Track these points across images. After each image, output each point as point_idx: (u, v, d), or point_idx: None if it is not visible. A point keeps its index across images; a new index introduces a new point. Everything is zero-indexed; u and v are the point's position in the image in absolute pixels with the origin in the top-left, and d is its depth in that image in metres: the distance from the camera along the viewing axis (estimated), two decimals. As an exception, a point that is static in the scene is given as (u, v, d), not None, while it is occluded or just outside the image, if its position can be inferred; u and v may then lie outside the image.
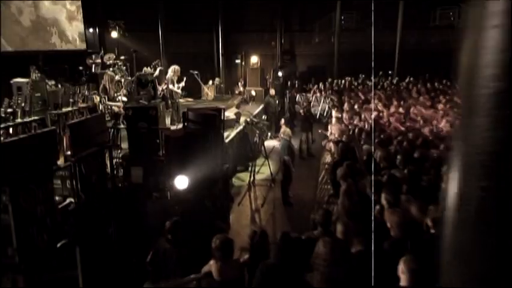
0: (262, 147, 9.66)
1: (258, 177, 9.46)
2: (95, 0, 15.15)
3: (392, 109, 10.54)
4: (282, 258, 3.60)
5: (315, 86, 16.74)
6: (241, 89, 16.12)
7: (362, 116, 9.68)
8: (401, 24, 19.65)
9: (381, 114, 9.96)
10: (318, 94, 16.31)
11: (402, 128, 7.99)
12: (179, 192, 5.16)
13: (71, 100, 6.15)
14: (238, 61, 18.34)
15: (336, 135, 7.67)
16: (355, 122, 8.87)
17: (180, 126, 7.25)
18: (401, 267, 3.26)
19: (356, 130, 7.62)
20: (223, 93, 16.46)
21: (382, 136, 7.03)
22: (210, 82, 16.06)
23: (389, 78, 18.09)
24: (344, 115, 9.61)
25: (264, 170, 9.65)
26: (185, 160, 5.27)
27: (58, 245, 5.02)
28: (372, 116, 8.39)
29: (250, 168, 9.30)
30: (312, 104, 15.56)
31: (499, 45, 0.82)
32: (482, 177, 0.93)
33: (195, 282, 3.89)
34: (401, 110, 10.34)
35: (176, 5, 16.92)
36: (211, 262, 3.73)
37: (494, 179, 0.91)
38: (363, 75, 18.35)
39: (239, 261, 3.88)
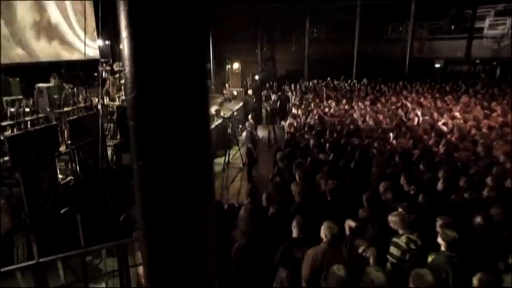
0: (235, 137, 10.06)
1: (232, 161, 9.90)
2: (108, 17, 15.31)
3: (341, 107, 10.95)
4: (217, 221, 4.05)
5: (288, 87, 17.04)
6: (228, 89, 16.47)
7: (314, 112, 10.09)
8: (360, 37, 19.91)
9: (331, 110, 10.38)
10: (290, 94, 16.61)
11: (336, 122, 8.39)
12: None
13: (70, 101, 6.56)
14: (229, 66, 18.57)
15: (287, 128, 8.11)
16: (304, 118, 9.26)
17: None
18: (293, 223, 3.73)
19: (302, 124, 8.05)
20: (213, 93, 16.78)
21: (318, 128, 7.45)
22: (202, 84, 16.36)
23: (348, 80, 18.38)
24: (300, 111, 10.00)
25: (237, 155, 10.07)
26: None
27: (61, 211, 5.48)
28: (315, 112, 8.77)
29: (225, 154, 9.73)
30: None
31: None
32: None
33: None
34: (346, 107, 10.74)
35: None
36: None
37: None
38: (329, 78, 18.66)
39: None
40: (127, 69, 0.96)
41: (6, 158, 4.92)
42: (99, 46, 14.46)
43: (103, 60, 13.28)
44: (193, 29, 0.95)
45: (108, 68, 11.97)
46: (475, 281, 2.85)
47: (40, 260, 3.96)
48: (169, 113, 0.93)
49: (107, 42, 16.01)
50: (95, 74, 12.40)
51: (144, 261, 1.11)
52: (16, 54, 10.27)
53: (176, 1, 0.89)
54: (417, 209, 4.18)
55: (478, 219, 3.75)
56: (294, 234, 3.68)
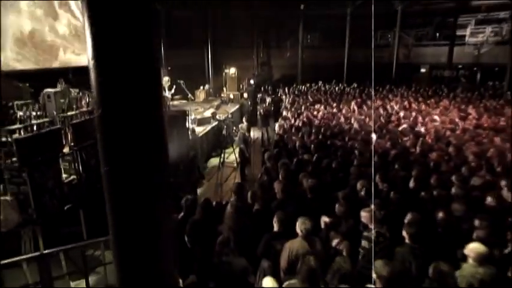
0: (230, 138, 10.19)
1: (227, 160, 10.00)
2: None
3: (330, 109, 11.10)
4: (203, 215, 4.20)
5: (281, 91, 17.18)
6: (225, 93, 16.61)
7: (304, 114, 10.24)
8: (350, 43, 20.06)
9: (320, 113, 10.52)
10: (284, 97, 16.73)
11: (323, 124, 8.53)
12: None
13: (74, 106, 6.71)
14: (227, 71, 18.70)
15: (277, 130, 8.26)
16: (294, 120, 9.39)
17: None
18: (274, 218, 3.88)
19: (290, 126, 8.20)
20: (212, 96, 16.94)
21: (305, 130, 7.60)
22: (202, 87, 16.52)
23: (339, 84, 18.52)
24: (290, 114, 10.16)
25: (232, 155, 10.18)
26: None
27: (65, 208, 5.62)
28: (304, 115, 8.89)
29: (220, 154, 9.87)
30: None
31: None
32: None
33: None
34: (334, 110, 10.89)
35: (175, 27, 17.27)
36: (158, 217, 4.32)
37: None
38: (320, 82, 18.78)
39: (178, 217, 4.43)
40: (94, 92, 1.15)
41: (15, 159, 5.08)
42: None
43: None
44: (148, 63, 1.13)
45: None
46: (430, 269, 3.02)
47: (44, 252, 4.12)
48: (128, 128, 1.12)
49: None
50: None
51: (114, 256, 1.29)
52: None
53: (134, 44, 1.08)
54: (389, 205, 4.34)
55: (440, 214, 3.92)
56: (275, 228, 3.83)
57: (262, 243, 3.80)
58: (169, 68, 17.49)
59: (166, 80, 10.65)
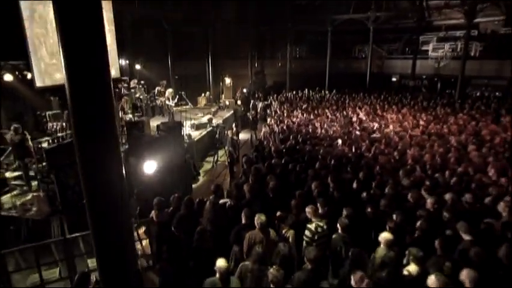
0: (224, 140, 10.65)
1: (220, 160, 10.51)
2: (126, 42, 15.58)
3: (307, 116, 11.54)
4: (187, 211, 4.69)
5: (271, 97, 17.57)
6: (222, 100, 17.03)
7: (285, 121, 10.70)
8: (332, 55, 20.42)
9: (298, 119, 10.98)
10: (273, 103, 17.15)
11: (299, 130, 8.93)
12: (150, 172, 6.17)
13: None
14: (227, 79, 18.98)
15: (260, 135, 8.76)
16: (276, 126, 9.85)
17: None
18: (242, 213, 4.37)
19: (269, 132, 8.69)
20: (211, 102, 17.34)
21: (281, 136, 8.05)
22: (203, 94, 16.92)
23: (322, 91, 18.90)
24: (272, 121, 10.61)
25: (224, 156, 10.63)
26: (154, 153, 6.30)
27: (84, 201, 6.18)
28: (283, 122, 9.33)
29: (214, 155, 10.39)
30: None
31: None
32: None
33: (146, 223, 5.03)
34: (311, 117, 11.33)
35: (179, 42, 17.56)
36: (153, 212, 4.76)
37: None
38: (306, 90, 19.16)
39: (168, 211, 4.77)
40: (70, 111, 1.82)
41: (45, 164, 5.66)
42: (120, 65, 14.85)
43: (123, 78, 13.68)
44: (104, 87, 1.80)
45: (125, 85, 12.26)
46: (350, 252, 3.59)
47: (67, 236, 4.73)
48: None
49: (127, 62, 16.40)
50: (117, 90, 12.88)
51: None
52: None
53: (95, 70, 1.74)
54: (332, 203, 4.82)
55: (369, 209, 4.46)
56: (243, 221, 4.25)
57: (233, 233, 4.21)
58: (176, 77, 17.90)
59: (170, 91, 11.11)
